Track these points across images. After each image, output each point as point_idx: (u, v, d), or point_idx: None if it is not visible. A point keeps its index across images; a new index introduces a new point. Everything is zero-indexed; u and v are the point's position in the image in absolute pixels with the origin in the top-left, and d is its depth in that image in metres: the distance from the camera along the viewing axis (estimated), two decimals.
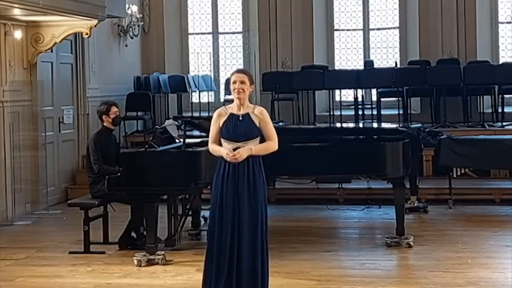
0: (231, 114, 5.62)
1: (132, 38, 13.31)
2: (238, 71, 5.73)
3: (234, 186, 5.52)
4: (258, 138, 5.60)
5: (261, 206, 5.56)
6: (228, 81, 13.37)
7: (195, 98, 13.59)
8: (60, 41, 10.33)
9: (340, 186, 10.04)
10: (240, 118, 5.59)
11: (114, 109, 8.18)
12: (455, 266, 7.01)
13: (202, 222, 9.01)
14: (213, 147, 5.67)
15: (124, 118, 10.90)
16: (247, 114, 5.60)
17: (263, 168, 5.64)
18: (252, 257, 5.53)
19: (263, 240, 5.58)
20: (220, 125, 5.62)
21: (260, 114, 5.60)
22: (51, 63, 11.10)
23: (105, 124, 8.17)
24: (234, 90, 5.61)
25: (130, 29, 13.18)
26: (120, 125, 9.22)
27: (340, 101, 13.24)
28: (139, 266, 7.20)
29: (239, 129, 5.55)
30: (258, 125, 5.59)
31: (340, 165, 7.66)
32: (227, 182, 5.53)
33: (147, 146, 7.55)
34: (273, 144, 5.59)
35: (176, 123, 8.42)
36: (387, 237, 7.89)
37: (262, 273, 5.58)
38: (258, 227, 5.54)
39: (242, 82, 5.59)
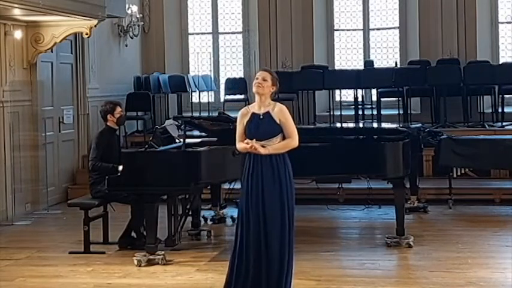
0: (253, 114, 5.72)
1: (132, 38, 13.31)
2: (264, 69, 5.87)
3: (258, 182, 5.60)
4: (280, 136, 5.68)
5: (287, 202, 5.62)
6: (229, 80, 13.46)
7: (195, 98, 13.60)
8: (60, 41, 10.33)
9: (340, 186, 10.04)
10: (261, 117, 5.69)
11: (118, 109, 8.19)
12: (455, 266, 7.01)
13: (202, 222, 9.03)
14: (239, 146, 5.75)
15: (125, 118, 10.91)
16: (268, 112, 5.69)
17: (289, 165, 5.71)
18: (279, 254, 5.58)
19: (290, 236, 5.64)
20: (245, 124, 5.71)
21: (280, 112, 5.69)
22: (51, 63, 11.10)
23: (108, 123, 8.17)
24: (254, 84, 5.72)
25: (130, 29, 13.18)
26: (124, 124, 9.21)
27: (340, 101, 13.23)
28: (139, 266, 7.20)
29: (261, 128, 5.65)
30: (278, 122, 5.66)
31: (340, 165, 7.67)
32: (252, 177, 5.63)
33: (147, 146, 7.54)
34: (291, 142, 5.68)
35: (176, 123, 8.42)
36: (387, 237, 7.89)
37: (287, 271, 5.63)
38: (286, 223, 5.60)
39: (264, 79, 5.69)
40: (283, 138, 5.69)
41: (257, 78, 5.71)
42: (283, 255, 5.61)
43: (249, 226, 5.62)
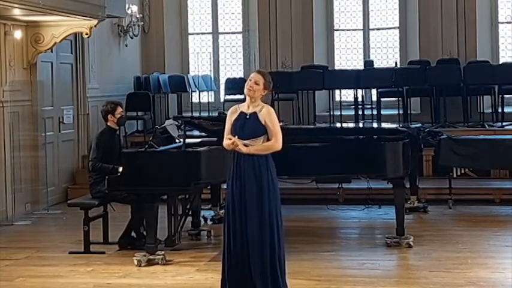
0: (241, 112, 5.78)
1: (132, 38, 13.31)
2: (259, 72, 5.91)
3: (240, 182, 5.66)
4: (264, 137, 5.73)
5: (268, 204, 5.64)
6: (229, 80, 13.44)
7: (195, 98, 13.60)
8: (60, 41, 10.34)
9: (340, 186, 10.04)
10: (248, 116, 5.75)
11: (119, 109, 8.19)
12: (455, 266, 7.01)
13: (202, 222, 9.03)
14: (224, 142, 5.80)
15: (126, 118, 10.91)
16: (255, 113, 5.74)
17: (273, 167, 5.72)
18: (260, 254, 5.61)
19: (273, 237, 5.64)
20: (232, 122, 5.77)
21: (267, 114, 5.73)
22: (51, 63, 11.10)
23: (109, 124, 8.16)
24: (246, 85, 5.78)
25: (130, 29, 13.18)
26: (124, 125, 9.21)
27: (340, 101, 13.23)
28: (139, 266, 7.21)
29: (246, 127, 5.71)
30: (263, 123, 5.70)
31: (340, 165, 7.67)
32: (235, 177, 5.70)
33: (147, 146, 7.55)
34: (274, 144, 5.71)
35: (176, 123, 8.42)
36: (387, 237, 7.89)
37: (272, 274, 5.63)
38: (266, 224, 5.62)
39: (256, 83, 5.76)
40: (268, 140, 5.72)
41: (250, 80, 5.77)
42: (264, 255, 5.62)
43: (234, 225, 5.68)
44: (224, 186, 9.23)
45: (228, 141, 5.69)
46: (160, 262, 7.25)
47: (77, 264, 7.39)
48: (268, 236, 5.63)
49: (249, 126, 5.69)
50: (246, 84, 5.79)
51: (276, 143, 5.70)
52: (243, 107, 5.81)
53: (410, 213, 9.28)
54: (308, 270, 6.92)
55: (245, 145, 5.66)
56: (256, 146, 5.68)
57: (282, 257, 5.73)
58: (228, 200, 5.76)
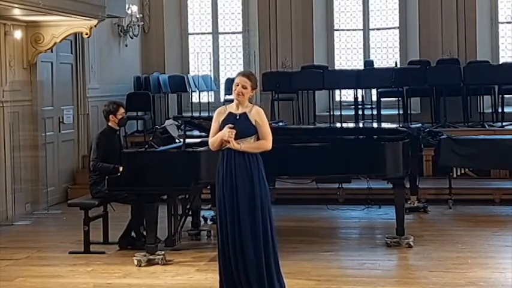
0: (230, 113, 5.79)
1: (132, 38, 13.31)
2: (244, 75, 5.84)
3: (231, 180, 5.66)
4: (254, 137, 5.75)
5: (260, 202, 5.65)
6: (229, 80, 13.43)
7: (195, 98, 13.60)
8: (60, 41, 10.34)
9: (340, 186, 10.04)
10: (237, 117, 5.75)
11: (121, 110, 8.19)
12: (455, 266, 7.01)
13: (202, 222, 9.03)
14: (211, 140, 5.80)
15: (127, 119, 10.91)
16: (245, 113, 5.76)
17: (262, 166, 5.74)
18: (254, 253, 5.61)
19: (267, 236, 5.65)
20: (220, 122, 5.77)
21: (257, 114, 5.75)
22: (51, 63, 11.10)
23: (110, 124, 8.16)
24: (234, 91, 5.78)
25: (130, 29, 13.18)
26: (125, 126, 9.22)
27: (340, 101, 13.23)
28: (139, 266, 7.21)
29: (236, 127, 5.69)
30: (254, 123, 5.72)
31: (340, 165, 7.66)
32: (226, 176, 5.69)
33: (147, 146, 7.55)
34: (265, 143, 5.74)
35: (176, 123, 8.42)
36: (387, 237, 7.89)
37: (268, 272, 5.63)
38: (258, 223, 5.63)
39: (244, 87, 5.74)
40: (258, 140, 5.74)
41: (237, 85, 5.74)
42: (259, 255, 5.62)
43: (226, 223, 5.69)
44: None
45: (216, 138, 5.70)
46: (160, 262, 7.25)
47: (77, 264, 7.39)
48: (261, 232, 5.64)
49: (240, 126, 5.68)
50: (233, 89, 5.78)
51: (267, 142, 5.73)
52: (231, 108, 5.81)
53: (410, 213, 9.28)
54: (308, 270, 6.92)
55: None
56: (248, 144, 5.70)
57: (276, 253, 5.74)
58: (219, 199, 5.74)
